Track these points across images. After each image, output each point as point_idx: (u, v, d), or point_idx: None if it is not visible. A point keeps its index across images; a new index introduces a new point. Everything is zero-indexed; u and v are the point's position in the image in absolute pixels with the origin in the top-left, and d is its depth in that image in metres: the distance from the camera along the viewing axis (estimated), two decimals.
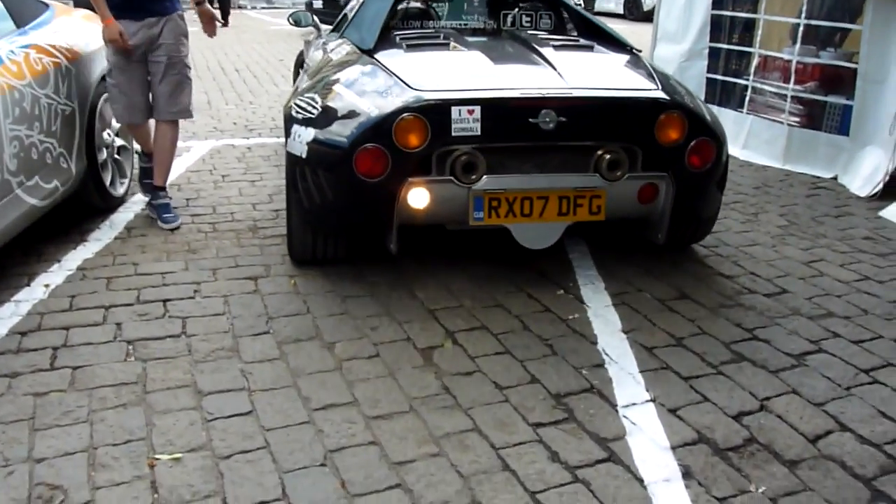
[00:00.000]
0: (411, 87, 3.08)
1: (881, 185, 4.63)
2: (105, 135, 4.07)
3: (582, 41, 3.98)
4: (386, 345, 2.79)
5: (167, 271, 3.39)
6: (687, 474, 2.13)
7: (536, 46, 3.64)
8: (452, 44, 3.71)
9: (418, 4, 4.60)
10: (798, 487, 2.09)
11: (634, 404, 2.46)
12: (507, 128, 3.04)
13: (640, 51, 3.94)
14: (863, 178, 4.76)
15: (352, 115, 3.08)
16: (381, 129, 2.94)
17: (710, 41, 6.01)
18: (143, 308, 3.04)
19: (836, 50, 5.24)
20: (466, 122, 2.95)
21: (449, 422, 2.34)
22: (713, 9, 5.93)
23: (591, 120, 3.09)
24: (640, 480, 2.10)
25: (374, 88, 3.19)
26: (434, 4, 4.70)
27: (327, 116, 3.15)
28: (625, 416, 2.39)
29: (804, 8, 5.15)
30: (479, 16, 4.66)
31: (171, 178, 4.79)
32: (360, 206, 3.10)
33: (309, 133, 3.12)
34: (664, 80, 3.38)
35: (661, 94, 3.21)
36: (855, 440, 2.30)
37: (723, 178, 3.48)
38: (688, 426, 2.35)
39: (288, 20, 5.40)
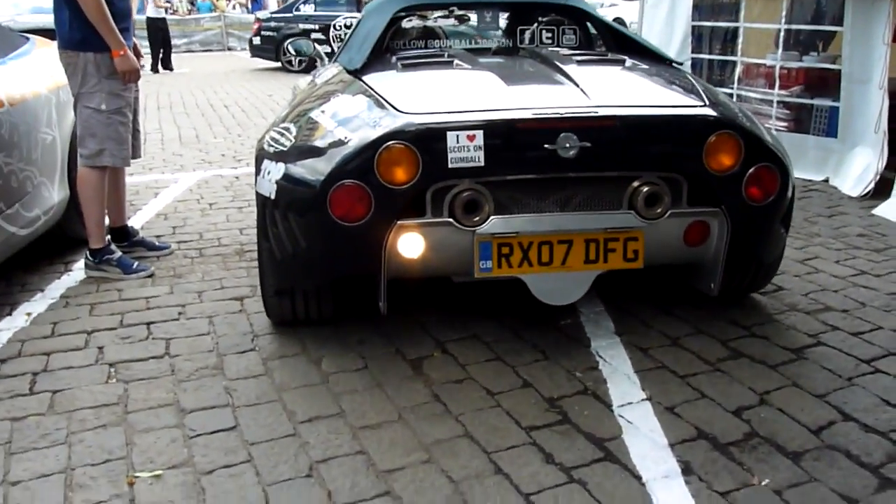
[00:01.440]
0: (399, 111, 2.56)
1: (873, 185, 4.60)
2: None
3: (611, 55, 3.41)
4: (374, 357, 2.72)
5: (152, 296, 3.33)
6: (687, 470, 2.06)
7: (557, 63, 3.09)
8: (457, 62, 3.17)
9: (422, 22, 4.03)
10: (803, 479, 2.01)
11: (630, 403, 2.38)
12: (518, 156, 2.50)
13: (681, 64, 3.49)
14: (854, 178, 4.74)
15: (327, 146, 2.57)
16: (361, 161, 2.44)
17: (693, 52, 6.03)
18: (126, 331, 2.97)
19: (819, 53, 5.25)
20: (467, 151, 2.43)
21: (439, 429, 2.26)
22: (693, 20, 5.97)
23: (622, 144, 2.53)
24: (639, 478, 2.02)
25: (355, 113, 2.69)
26: (440, 23, 4.14)
27: (300, 149, 2.66)
28: (620, 416, 2.32)
29: (784, 14, 5.17)
30: (493, 34, 4.12)
31: (159, 207, 4.79)
32: (340, 256, 2.60)
33: (279, 169, 2.62)
34: (712, 96, 2.79)
35: (710, 112, 2.62)
36: (859, 429, 2.23)
37: (788, 213, 2.86)
38: (686, 423, 2.27)
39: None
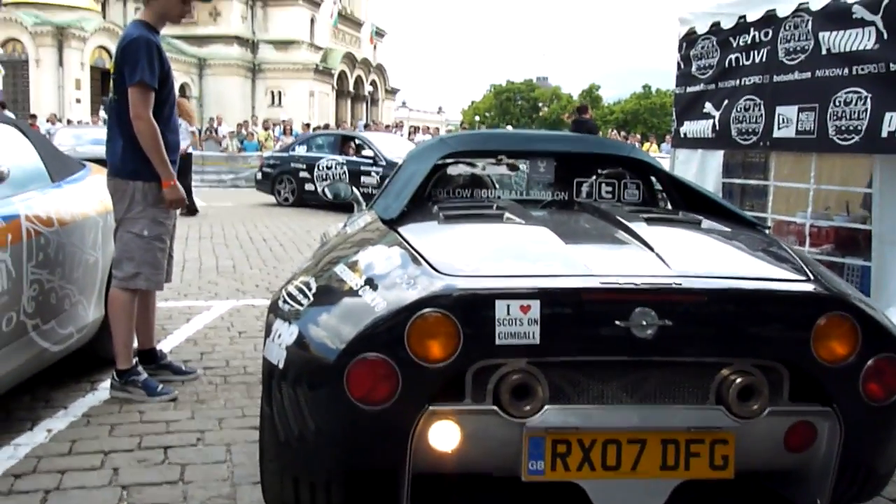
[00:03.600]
0: (438, 271, 2.16)
1: None
2: None
3: (683, 214, 3.01)
4: None
5: (172, 419, 3.33)
6: None
7: (622, 220, 2.69)
8: (507, 216, 2.79)
9: (469, 170, 3.68)
10: None
11: None
12: (583, 334, 2.08)
13: (768, 227, 3.06)
14: None
15: (349, 309, 2.18)
16: (389, 330, 2.02)
17: None
18: (143, 454, 2.96)
19: (848, 213, 5.32)
20: (519, 325, 2.02)
21: None
22: (724, 177, 6.12)
23: (711, 325, 2.10)
24: None
25: (386, 271, 2.29)
26: (489, 171, 3.76)
27: (318, 310, 2.25)
28: None
29: (812, 174, 5.29)
30: (547, 185, 3.70)
31: (189, 332, 4.85)
32: (356, 446, 2.13)
33: (291, 333, 2.20)
34: (815, 269, 2.35)
35: (818, 288, 2.20)
36: None
37: None
38: None
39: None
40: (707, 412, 2.09)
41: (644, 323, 2.02)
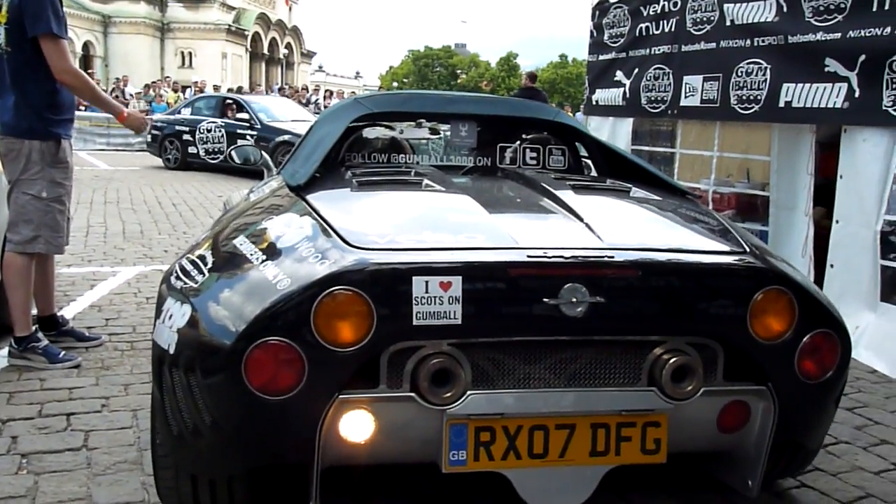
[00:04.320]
0: (348, 244, 1.96)
1: None
2: None
3: (611, 182, 2.85)
4: None
5: (75, 386, 3.22)
6: None
7: (549, 188, 2.54)
8: (427, 182, 2.60)
9: (386, 133, 3.45)
10: None
11: None
12: (508, 312, 1.93)
13: (698, 196, 2.97)
14: None
15: (249, 287, 1.95)
16: (293, 311, 1.82)
17: None
18: (44, 422, 2.86)
19: (749, 180, 5.56)
20: (439, 304, 1.85)
21: None
22: (633, 144, 6.29)
23: (645, 300, 1.99)
24: None
25: (290, 244, 2.04)
26: (407, 135, 3.50)
27: (213, 288, 2.02)
28: None
29: (716, 142, 5.50)
30: (468, 150, 3.45)
31: (94, 298, 4.69)
32: (259, 439, 1.92)
33: (183, 313, 1.97)
34: (751, 241, 2.26)
35: (754, 262, 2.11)
36: None
37: (842, 390, 2.29)
38: None
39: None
40: (639, 394, 1.99)
41: (574, 300, 1.89)
